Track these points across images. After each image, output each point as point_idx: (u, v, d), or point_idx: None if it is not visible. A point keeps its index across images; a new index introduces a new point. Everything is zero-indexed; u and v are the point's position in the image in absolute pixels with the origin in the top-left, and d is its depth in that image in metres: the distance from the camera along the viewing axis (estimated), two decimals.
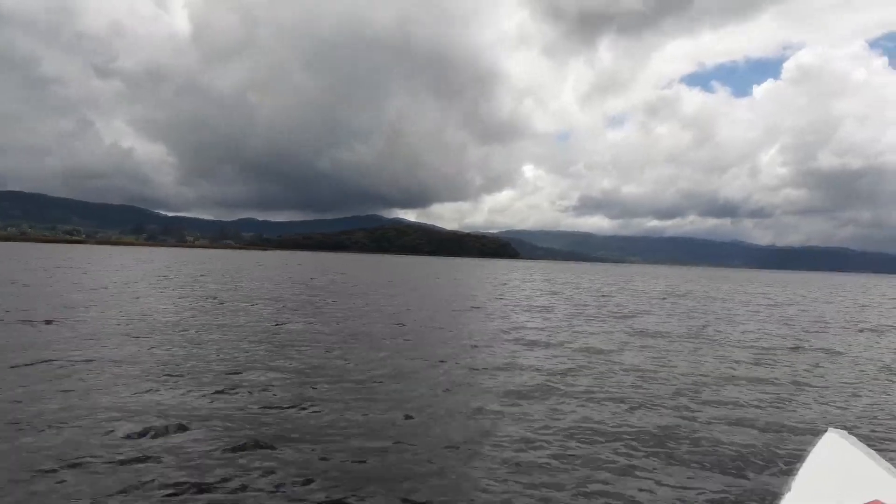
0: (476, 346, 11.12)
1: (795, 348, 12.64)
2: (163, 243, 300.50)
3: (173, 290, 21.31)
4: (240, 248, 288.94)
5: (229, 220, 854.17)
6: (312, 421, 6.03)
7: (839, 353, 12.19)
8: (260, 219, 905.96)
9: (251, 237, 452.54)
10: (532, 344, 11.71)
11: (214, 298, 18.80)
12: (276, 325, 13.05)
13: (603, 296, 28.21)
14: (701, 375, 9.20)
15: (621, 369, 9.43)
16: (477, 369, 8.98)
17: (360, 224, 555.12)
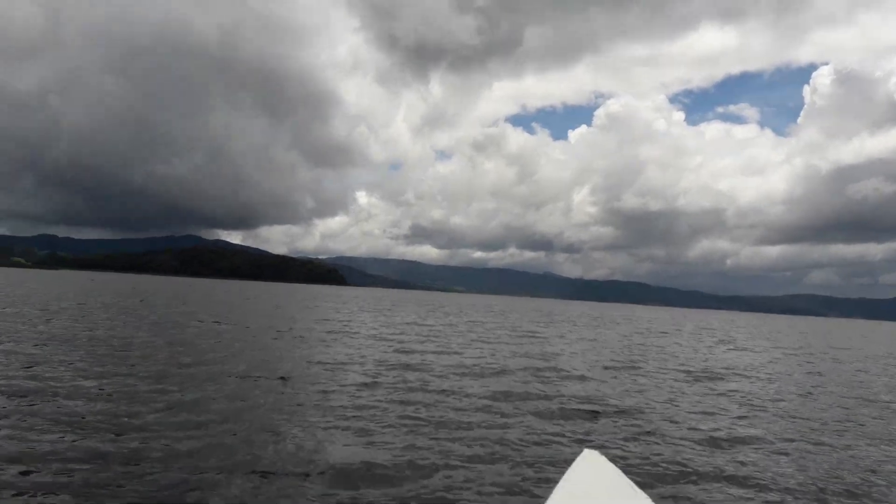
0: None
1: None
2: None
3: None
4: (26, 268, 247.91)
5: (26, 235, 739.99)
6: None
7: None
8: (62, 235, 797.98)
9: (44, 256, 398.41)
10: None
11: None
12: None
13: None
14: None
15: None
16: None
17: (177, 244, 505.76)
